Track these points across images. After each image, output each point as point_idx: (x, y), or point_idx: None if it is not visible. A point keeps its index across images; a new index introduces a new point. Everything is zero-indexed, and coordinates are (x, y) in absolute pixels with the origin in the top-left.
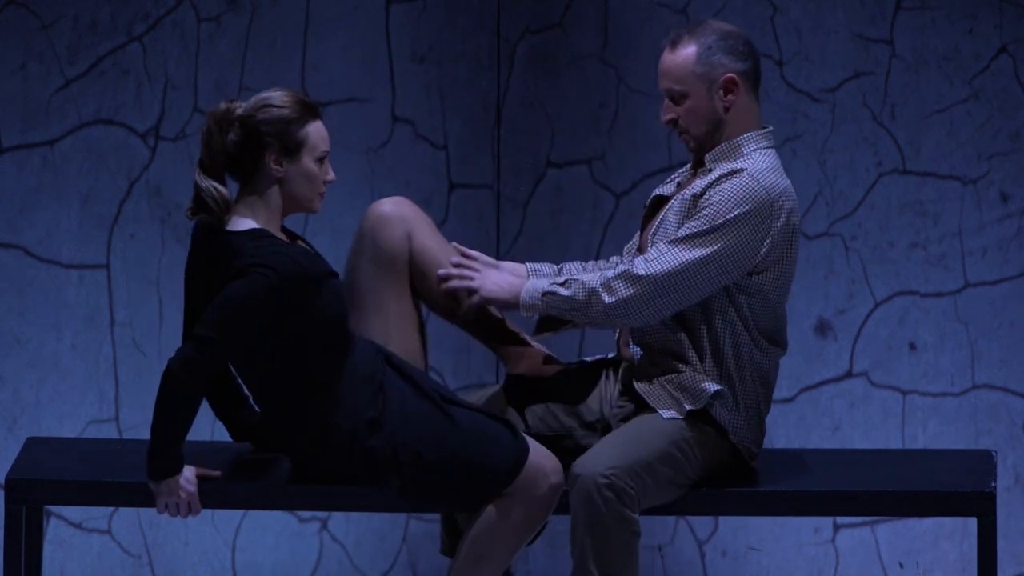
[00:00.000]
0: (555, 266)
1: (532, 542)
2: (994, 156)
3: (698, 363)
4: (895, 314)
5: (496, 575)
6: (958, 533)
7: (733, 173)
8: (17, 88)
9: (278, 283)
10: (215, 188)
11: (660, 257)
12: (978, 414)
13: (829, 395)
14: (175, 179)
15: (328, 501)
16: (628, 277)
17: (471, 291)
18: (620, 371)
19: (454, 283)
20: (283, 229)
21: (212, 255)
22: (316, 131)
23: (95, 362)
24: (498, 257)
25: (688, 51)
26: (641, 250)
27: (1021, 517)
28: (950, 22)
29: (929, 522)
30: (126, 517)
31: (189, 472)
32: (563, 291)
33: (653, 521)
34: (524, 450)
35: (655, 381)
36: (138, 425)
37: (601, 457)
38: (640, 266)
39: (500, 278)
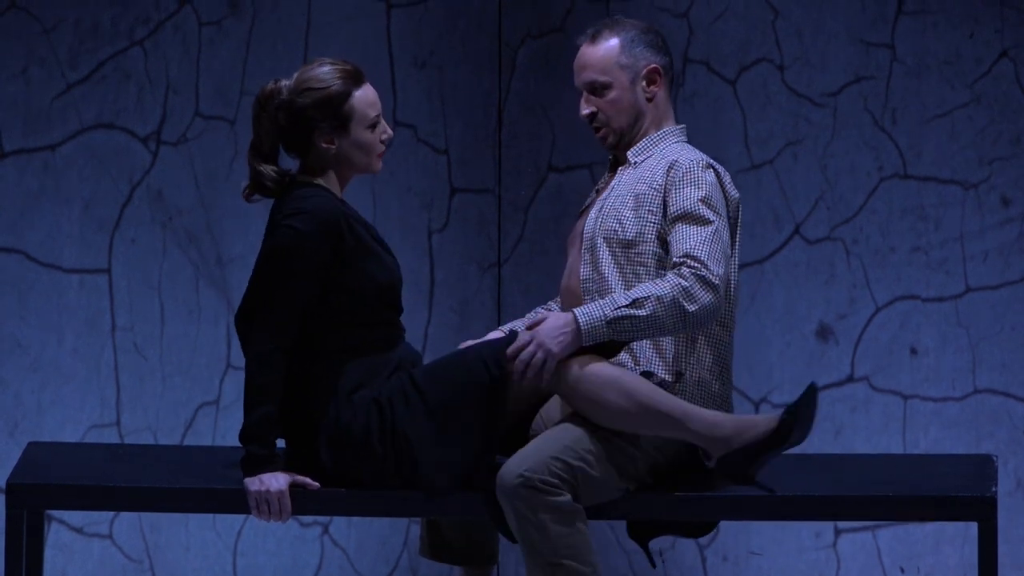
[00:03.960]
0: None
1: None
2: (995, 160)
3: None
4: (896, 318)
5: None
6: (959, 538)
7: (674, 167)
8: (19, 92)
9: (314, 225)
10: (270, 170)
11: (706, 256)
12: (979, 418)
13: (830, 400)
14: (176, 183)
15: (329, 506)
16: (705, 282)
17: (547, 363)
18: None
19: (530, 373)
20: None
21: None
22: (361, 100)
23: (96, 366)
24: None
25: (611, 43)
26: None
27: (1022, 522)
28: (951, 26)
29: (930, 527)
30: (127, 522)
31: (283, 475)
32: (639, 312)
33: None
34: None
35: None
36: (139, 429)
37: (515, 460)
38: (704, 269)
39: (555, 335)
